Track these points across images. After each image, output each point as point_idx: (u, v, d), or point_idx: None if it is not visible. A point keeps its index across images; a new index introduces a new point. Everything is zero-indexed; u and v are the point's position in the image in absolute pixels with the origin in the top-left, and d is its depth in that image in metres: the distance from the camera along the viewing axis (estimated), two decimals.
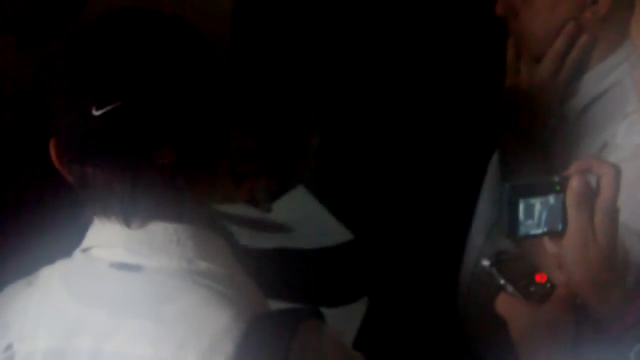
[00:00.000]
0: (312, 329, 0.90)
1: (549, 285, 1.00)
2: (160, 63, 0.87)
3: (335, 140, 1.98)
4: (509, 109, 1.24)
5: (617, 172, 0.93)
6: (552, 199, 0.95)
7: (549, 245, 0.97)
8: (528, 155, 1.22)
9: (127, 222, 0.90)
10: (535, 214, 0.96)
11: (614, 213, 0.93)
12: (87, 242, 0.94)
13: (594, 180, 0.94)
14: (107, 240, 0.92)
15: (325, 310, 1.44)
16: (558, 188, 0.95)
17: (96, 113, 0.85)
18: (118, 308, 0.89)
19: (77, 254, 0.94)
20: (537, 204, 0.96)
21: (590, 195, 0.93)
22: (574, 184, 0.93)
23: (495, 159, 1.32)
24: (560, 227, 0.96)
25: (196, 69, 0.90)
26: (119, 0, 0.98)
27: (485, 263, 1.01)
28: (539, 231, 0.96)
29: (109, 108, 0.85)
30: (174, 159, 0.87)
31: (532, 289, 1.00)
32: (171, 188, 0.90)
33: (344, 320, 1.43)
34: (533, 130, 1.22)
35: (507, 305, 0.99)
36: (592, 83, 1.22)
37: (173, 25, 0.91)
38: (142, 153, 0.87)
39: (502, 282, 1.00)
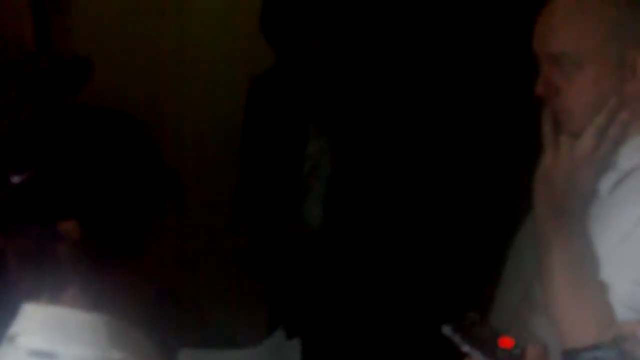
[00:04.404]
0: None
1: (517, 350, 0.97)
2: (78, 142, 0.93)
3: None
4: (546, 183, 1.22)
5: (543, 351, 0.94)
6: None
7: None
8: (564, 228, 1.19)
9: (36, 301, 0.91)
10: None
11: None
12: (12, 330, 0.94)
13: None
14: (28, 327, 0.93)
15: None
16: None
17: (14, 180, 0.89)
18: None
19: (4, 342, 0.95)
20: None
21: None
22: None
23: None
24: None
25: (115, 154, 0.94)
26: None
27: (447, 330, 0.99)
28: None
29: (24, 175, 0.89)
30: (78, 234, 0.89)
31: (499, 354, 0.97)
32: (77, 269, 0.91)
33: None
34: (570, 205, 1.20)
35: None
36: (627, 156, 1.21)
37: (104, 116, 0.97)
38: (48, 222, 0.89)
39: (467, 348, 0.97)
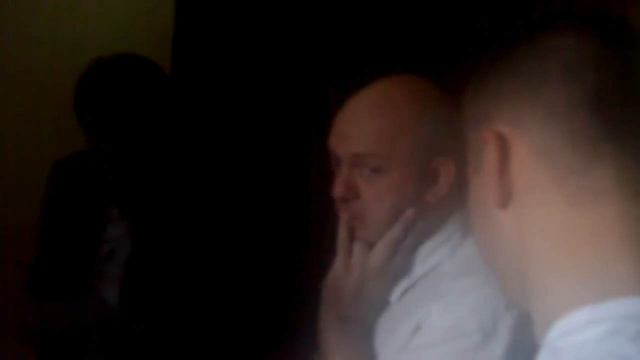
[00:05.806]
0: None
1: None
2: None
3: None
4: (335, 290, 1.20)
5: None
6: None
7: None
8: (346, 337, 1.19)
9: None
10: None
11: None
12: None
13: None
14: None
15: None
16: None
17: None
18: None
19: None
20: None
21: None
22: None
23: None
24: None
25: None
26: None
27: None
28: None
29: None
30: None
31: None
32: None
33: None
34: (356, 313, 1.19)
35: None
36: (417, 264, 1.20)
37: None
38: None
39: None
